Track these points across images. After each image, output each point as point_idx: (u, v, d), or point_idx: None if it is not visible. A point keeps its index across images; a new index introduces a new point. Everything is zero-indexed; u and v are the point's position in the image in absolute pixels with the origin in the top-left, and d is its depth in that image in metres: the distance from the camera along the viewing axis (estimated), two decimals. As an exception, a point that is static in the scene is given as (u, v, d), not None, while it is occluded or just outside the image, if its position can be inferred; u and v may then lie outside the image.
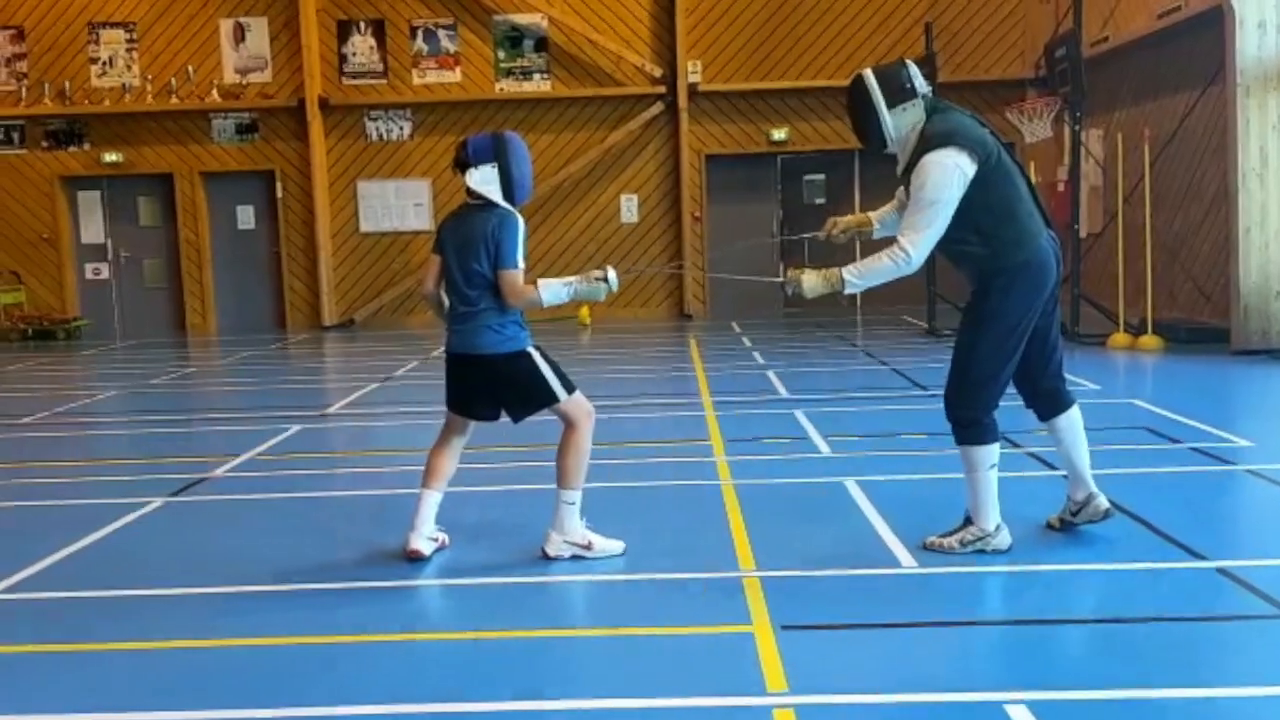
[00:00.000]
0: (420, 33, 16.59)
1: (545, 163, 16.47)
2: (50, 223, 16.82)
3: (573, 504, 4.61)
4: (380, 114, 16.63)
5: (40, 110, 16.50)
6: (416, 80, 16.64)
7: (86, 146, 16.72)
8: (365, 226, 16.75)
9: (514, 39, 16.60)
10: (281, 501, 5.90)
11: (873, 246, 4.65)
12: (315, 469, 6.76)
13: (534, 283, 4.53)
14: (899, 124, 4.38)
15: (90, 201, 17.04)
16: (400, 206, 16.71)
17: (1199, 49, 11.32)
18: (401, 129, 16.66)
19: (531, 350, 4.59)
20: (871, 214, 4.89)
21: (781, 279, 4.52)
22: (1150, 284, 10.96)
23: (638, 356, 11.94)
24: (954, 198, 4.26)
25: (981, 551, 4.50)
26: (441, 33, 16.58)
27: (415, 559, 4.63)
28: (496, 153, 4.51)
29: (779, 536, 4.88)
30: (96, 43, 16.62)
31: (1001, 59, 16.24)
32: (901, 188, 4.61)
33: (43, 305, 16.82)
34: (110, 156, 16.62)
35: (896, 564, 4.45)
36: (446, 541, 4.83)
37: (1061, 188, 13.03)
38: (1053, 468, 5.72)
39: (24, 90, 16.56)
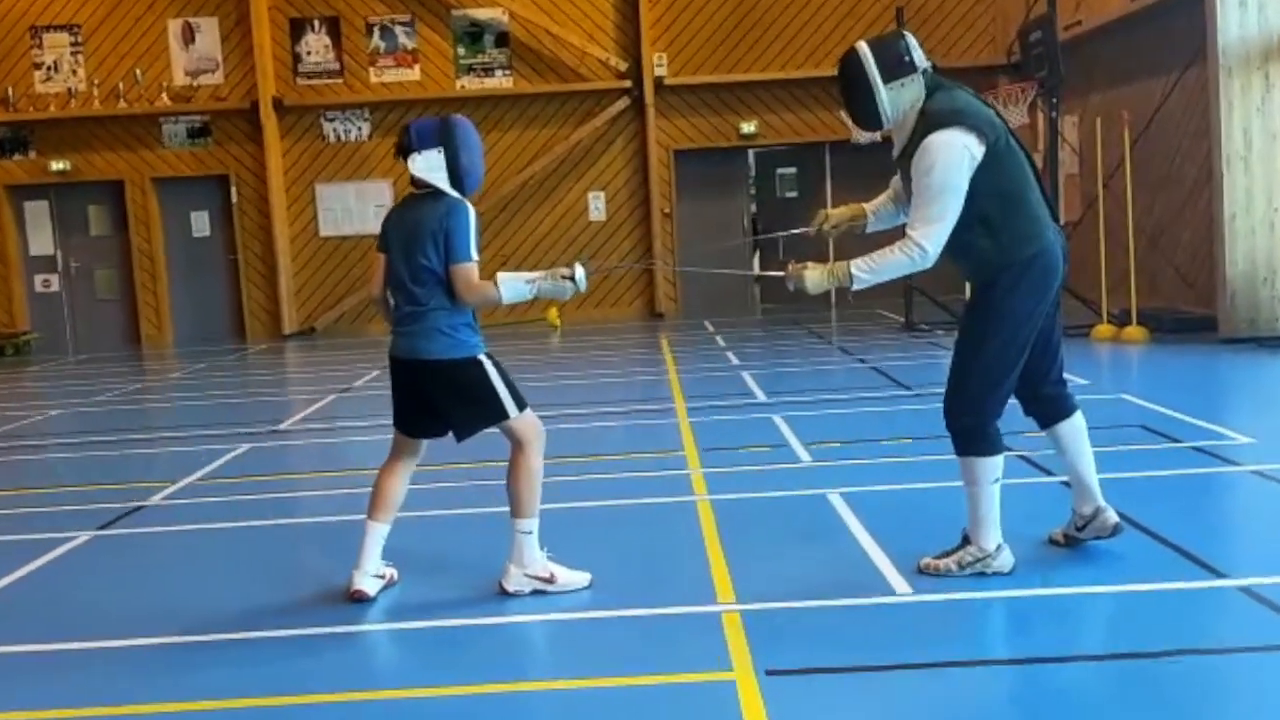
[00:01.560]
0: (377, 30, 16.09)
1: (509, 161, 16.03)
2: (-4, 234, 16.21)
3: (530, 533, 4.18)
4: (337, 114, 16.11)
5: (-16, 118, 15.88)
6: (374, 79, 16.14)
7: (32, 155, 16.12)
8: (325, 230, 16.23)
9: (474, 34, 16.12)
10: (220, 533, 5.43)
11: (864, 244, 4.22)
12: (262, 493, 6.29)
13: (492, 278, 4.10)
14: (896, 101, 3.97)
15: (38, 211, 16.43)
16: (361, 209, 16.18)
17: (1178, 29, 11.00)
18: (360, 129, 16.15)
19: (484, 358, 4.16)
20: (866, 205, 4.48)
21: (783, 273, 4.11)
22: (1133, 273, 10.63)
23: (608, 360, 11.52)
24: (964, 182, 3.87)
25: (982, 574, 4.10)
26: (399, 29, 16.09)
27: (359, 600, 4.19)
28: (443, 137, 4.08)
29: (760, 561, 4.47)
30: (40, 47, 16.02)
31: (974, 44, 15.92)
32: (897, 176, 4.21)
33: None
34: (57, 164, 16.02)
35: (890, 591, 4.05)
36: (395, 578, 4.39)
37: (1039, 175, 12.68)
38: (1051, 473, 5.34)
39: (-34, 97, 15.94)
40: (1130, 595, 3.95)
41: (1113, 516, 4.28)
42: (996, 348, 3.99)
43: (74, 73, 16.04)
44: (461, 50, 16.14)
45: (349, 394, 9.98)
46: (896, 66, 3.96)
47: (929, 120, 3.92)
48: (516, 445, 4.20)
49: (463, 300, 4.07)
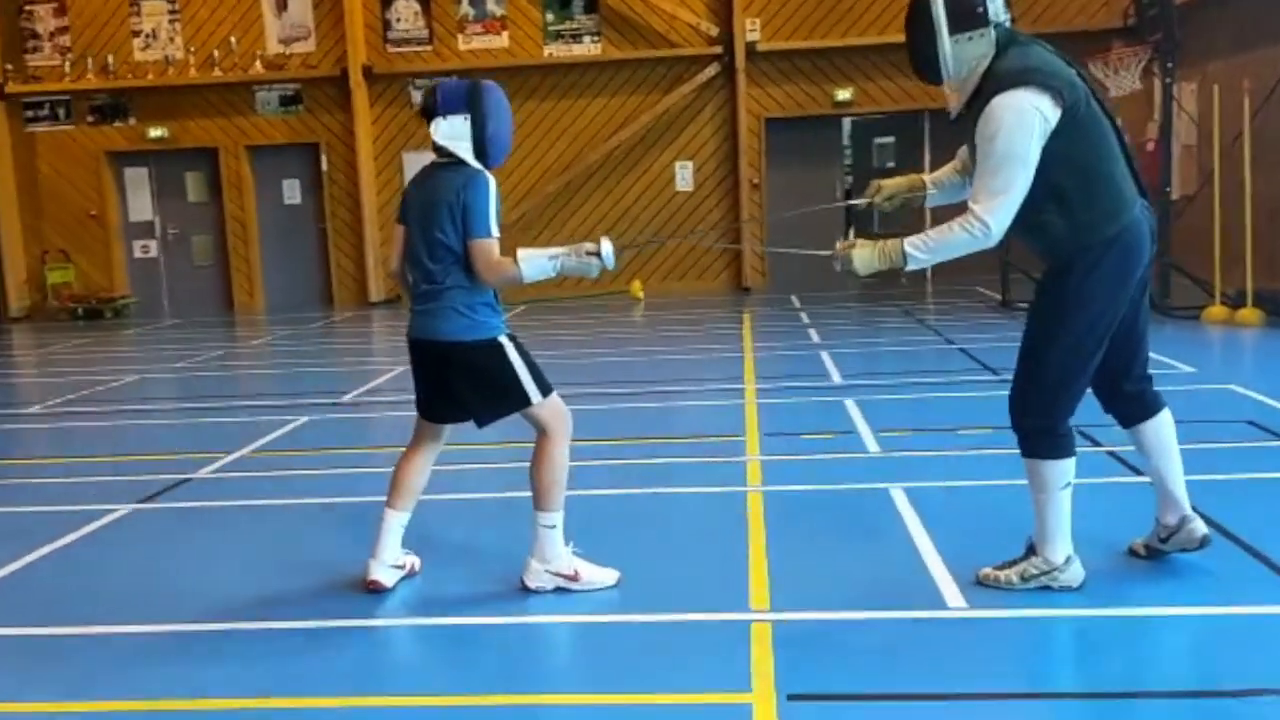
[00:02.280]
0: (467, -4, 15.90)
1: (596, 129, 15.76)
2: (98, 199, 16.54)
3: (553, 527, 3.91)
4: (425, 82, 15.92)
5: (85, 85, 16.18)
6: (463, 46, 15.98)
7: (132, 121, 16.38)
8: (412, 199, 16.15)
9: (563, 0, 15.83)
10: (255, 511, 5.30)
11: (916, 219, 3.82)
12: (308, 469, 6.15)
13: (513, 254, 3.82)
14: (961, 55, 3.54)
15: (137, 177, 16.73)
16: (447, 178, 16.06)
17: (1308, -11, 10.14)
18: (448, 97, 15.98)
19: (504, 340, 3.89)
20: (925, 176, 4.07)
21: (830, 253, 3.75)
22: (1250, 251, 9.87)
23: (683, 335, 11.19)
24: (1034, 150, 3.43)
25: (1048, 589, 3.71)
26: (501, -4, 15.87)
27: (375, 591, 3.98)
28: (470, 102, 3.81)
29: (802, 562, 4.14)
30: (138, 15, 16.23)
31: (1087, 6, 15.03)
32: (965, 146, 3.79)
33: (91, 284, 16.59)
34: (156, 131, 16.26)
35: (941, 604, 3.68)
36: (416, 567, 4.17)
37: (1151, 146, 11.91)
38: (1139, 472, 4.87)
39: (68, 65, 16.26)
40: (1216, 619, 3.52)
41: (1201, 528, 3.84)
42: (1070, 340, 3.57)
43: (171, 40, 16.23)
44: (550, 16, 15.86)
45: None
46: (967, 16, 3.53)
47: (997, 79, 3.50)
48: (541, 433, 3.93)
49: (481, 278, 3.80)
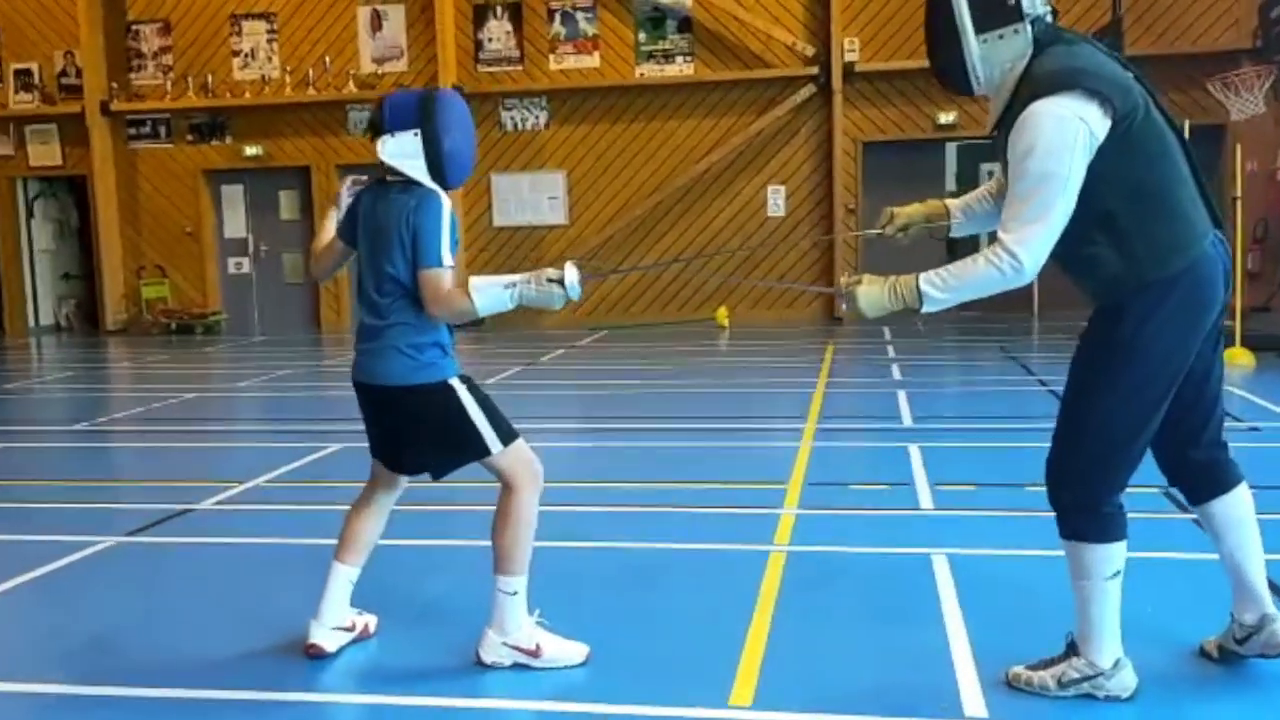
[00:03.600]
0: (558, 16, 15.68)
1: (686, 152, 15.33)
2: (194, 216, 16.77)
3: (514, 594, 3.42)
4: (515, 102, 15.80)
5: (185, 104, 16.44)
6: (553, 66, 15.73)
7: (229, 139, 16.57)
8: (499, 220, 15.97)
9: (656, 20, 15.47)
10: (237, 551, 4.92)
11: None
12: (320, 502, 5.76)
13: (465, 285, 3.36)
14: (991, 57, 2.95)
15: (233, 195, 16.91)
16: (534, 200, 15.85)
17: None
18: (537, 118, 15.78)
19: (455, 382, 3.43)
20: (952, 201, 3.50)
21: (834, 289, 3.19)
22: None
23: (757, 366, 10.62)
24: (1077, 169, 2.82)
25: (1090, 697, 3.06)
26: (580, 15, 15.62)
27: (315, 657, 3.54)
28: (421, 115, 3.36)
29: (808, 646, 3.56)
30: (239, 34, 16.44)
31: (1213, 26, 14.00)
32: (999, 165, 3.20)
33: (185, 299, 16.80)
34: (251, 150, 16.42)
35: (957, 710, 3.06)
36: (369, 628, 3.73)
37: (1280, 175, 10.93)
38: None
39: (169, 84, 16.55)
40: (1300, 751, 2.83)
41: (1287, 631, 3.15)
42: (1118, 399, 2.94)
43: (269, 60, 16.39)
44: (642, 36, 15.52)
45: (487, 389, 9.49)
46: (995, 10, 2.93)
47: (1035, 83, 2.89)
48: (506, 487, 3.45)
49: (430, 312, 3.34)
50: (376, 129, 3.40)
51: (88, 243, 17.36)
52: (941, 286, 2.97)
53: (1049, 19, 3.00)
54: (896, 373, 9.75)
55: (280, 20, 16.30)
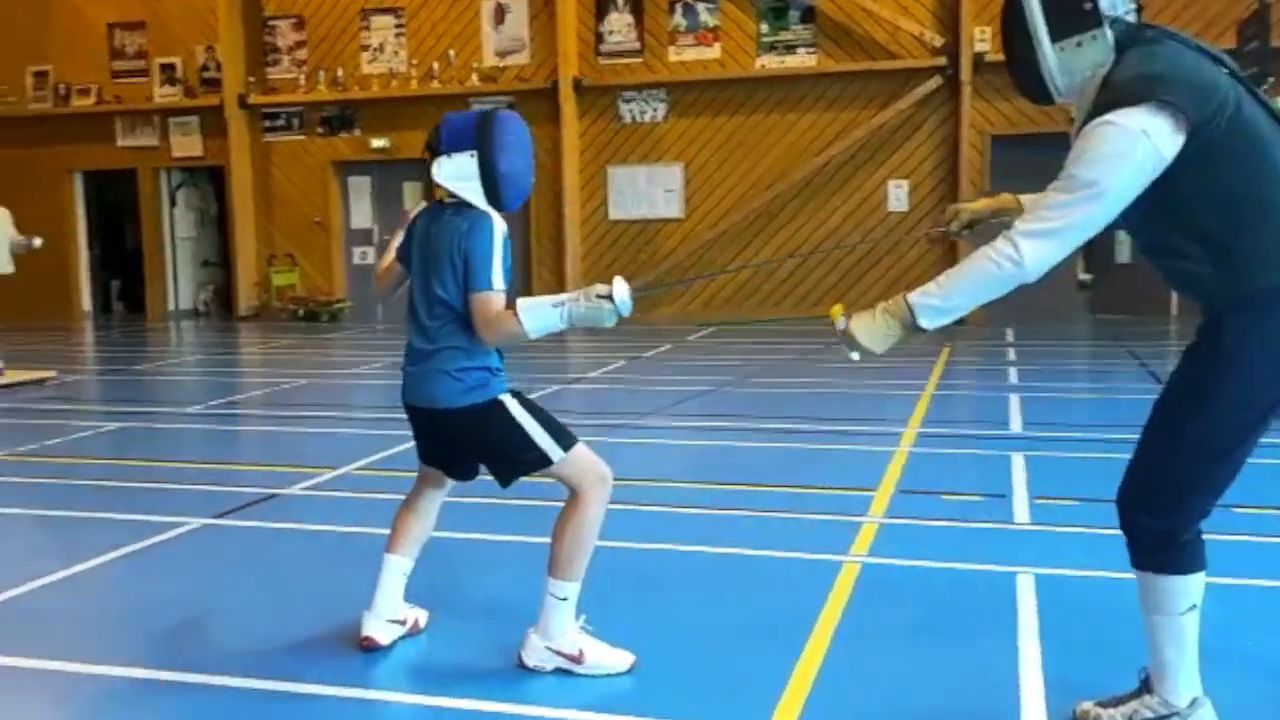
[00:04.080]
0: (680, 7, 15.55)
1: (805, 145, 15.04)
2: (323, 206, 17.23)
3: (565, 599, 3.33)
4: (634, 95, 15.74)
5: (316, 97, 16.89)
6: (673, 58, 15.62)
7: (357, 132, 16.96)
8: (614, 214, 15.96)
9: (778, 10, 15.21)
10: (312, 538, 4.97)
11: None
12: (403, 492, 5.82)
13: (514, 307, 3.26)
14: (1069, 66, 2.71)
15: (360, 186, 17.31)
16: (650, 193, 15.78)
17: None
18: (655, 110, 15.70)
19: (505, 399, 3.33)
20: (1025, 196, 3.26)
21: (835, 330, 2.92)
22: None
23: (867, 367, 10.30)
24: (1123, 184, 2.56)
25: (1165, 738, 2.81)
26: (701, 6, 15.47)
27: (369, 649, 3.52)
28: (478, 137, 3.29)
29: (866, 666, 3.37)
30: (368, 29, 16.81)
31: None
32: None
33: (313, 287, 17.28)
34: (378, 142, 16.77)
35: (1017, 745, 2.85)
36: (420, 624, 3.70)
37: None
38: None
39: (303, 77, 17.03)
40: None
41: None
42: (1207, 420, 2.66)
43: (396, 54, 16.71)
44: (764, 27, 15.28)
45: (577, 385, 9.48)
46: (1071, 17, 2.69)
47: (1112, 90, 2.63)
48: (572, 493, 3.36)
49: (481, 336, 3.26)
50: (434, 150, 3.34)
51: (226, 231, 18.03)
52: (936, 293, 2.74)
53: (1131, 17, 2.74)
54: (1013, 376, 9.36)
55: (408, 14, 16.59)
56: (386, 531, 4.72)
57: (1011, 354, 10.90)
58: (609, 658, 3.34)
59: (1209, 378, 2.68)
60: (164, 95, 17.70)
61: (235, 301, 17.57)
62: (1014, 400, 8.08)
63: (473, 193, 3.31)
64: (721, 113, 15.45)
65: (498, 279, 3.25)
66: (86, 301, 18.81)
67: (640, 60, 15.74)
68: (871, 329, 2.79)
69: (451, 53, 16.28)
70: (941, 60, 14.45)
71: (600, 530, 3.37)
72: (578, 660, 3.32)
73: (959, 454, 6.39)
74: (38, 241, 10.14)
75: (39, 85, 18.28)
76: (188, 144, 17.71)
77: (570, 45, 15.68)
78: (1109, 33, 2.69)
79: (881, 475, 5.81)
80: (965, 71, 14.34)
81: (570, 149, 15.79)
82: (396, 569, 3.58)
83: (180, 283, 18.59)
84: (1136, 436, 2.80)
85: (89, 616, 4.02)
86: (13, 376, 9.86)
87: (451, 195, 3.35)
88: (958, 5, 14.35)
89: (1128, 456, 2.80)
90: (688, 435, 7.15)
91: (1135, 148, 2.55)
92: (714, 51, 15.49)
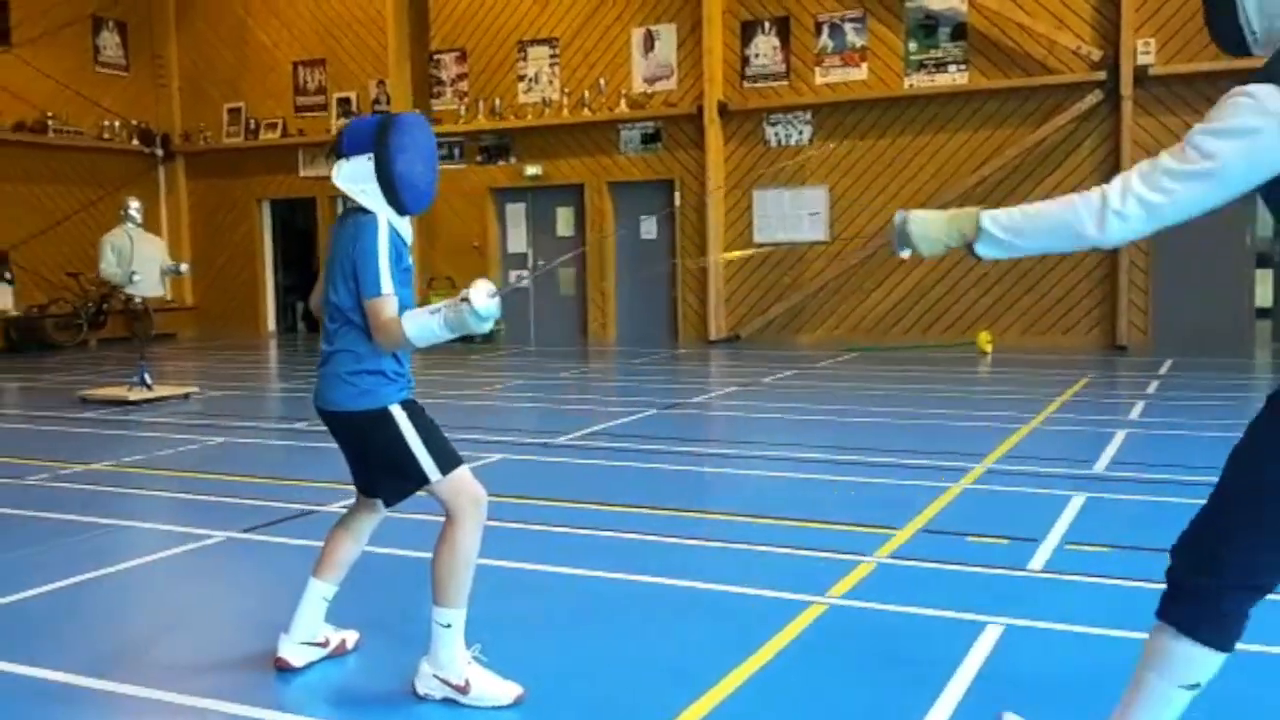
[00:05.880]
0: (826, 28, 15.34)
1: (957, 165, 14.54)
2: (480, 232, 17.83)
3: (448, 626, 3.32)
4: (779, 117, 15.61)
5: (475, 126, 17.53)
6: (819, 79, 15.41)
7: (512, 160, 17.49)
8: (759, 236, 15.83)
9: (928, 28, 14.78)
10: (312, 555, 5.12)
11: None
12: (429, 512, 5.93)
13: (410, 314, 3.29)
14: (1268, 7, 2.35)
15: (516, 212, 17.84)
16: (795, 216, 15.59)
17: None
18: (800, 133, 15.51)
19: (395, 409, 3.35)
20: None
21: (870, 243, 2.68)
22: None
23: (978, 397, 9.83)
24: (1245, 174, 2.23)
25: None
26: (849, 26, 15.20)
27: (281, 670, 3.61)
28: (375, 139, 3.34)
29: (766, 707, 3.21)
30: (524, 60, 17.33)
31: None
32: None
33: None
34: (532, 169, 17.25)
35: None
36: (347, 644, 3.75)
37: None
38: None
39: (463, 108, 17.70)
40: None
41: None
42: (1272, 479, 2.33)
43: (550, 83, 17.15)
44: (913, 45, 14.88)
45: (678, 410, 9.42)
46: None
47: (1277, 57, 2.30)
48: (447, 516, 3.37)
49: (376, 341, 3.30)
50: (336, 154, 3.42)
51: (393, 256, 18.88)
52: (1008, 225, 2.43)
53: None
54: (1136, 411, 8.71)
55: (562, 44, 17.01)
56: (415, 554, 4.84)
57: (1152, 386, 10.16)
58: (495, 689, 3.31)
59: (1273, 435, 2.36)
60: (341, 127, 18.71)
61: (400, 323, 18.34)
62: (1118, 436, 7.52)
63: (368, 196, 3.33)
64: (869, 134, 15.12)
65: (385, 283, 3.26)
66: (271, 322, 20.09)
67: (786, 83, 15.59)
68: (929, 229, 2.54)
69: (602, 81, 16.58)
70: (1100, 75, 13.69)
71: (477, 554, 3.35)
72: (464, 690, 3.30)
73: (1017, 493, 5.99)
74: (184, 267, 10.94)
75: (233, 121, 19.71)
76: (362, 173, 18.65)
77: (716, 70, 15.70)
78: None
79: (916, 513, 5.52)
80: (1126, 85, 13.54)
81: (715, 172, 15.78)
82: (317, 594, 3.65)
83: (354, 305, 19.56)
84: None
85: (66, 622, 4.27)
86: (160, 391, 10.63)
87: (351, 199, 3.39)
88: (1118, 16, 13.58)
89: (1200, 501, 2.51)
90: (745, 465, 7.00)
91: (1263, 131, 2.19)
92: (861, 72, 15.19)
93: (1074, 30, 13.97)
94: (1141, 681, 2.49)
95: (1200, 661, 2.40)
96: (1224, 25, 2.40)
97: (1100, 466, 6.59)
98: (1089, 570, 4.51)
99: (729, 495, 6.29)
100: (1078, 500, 5.69)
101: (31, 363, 15.27)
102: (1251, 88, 2.21)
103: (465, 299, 3.14)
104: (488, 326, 3.19)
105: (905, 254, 2.61)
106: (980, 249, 2.47)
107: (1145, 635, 2.52)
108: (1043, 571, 4.53)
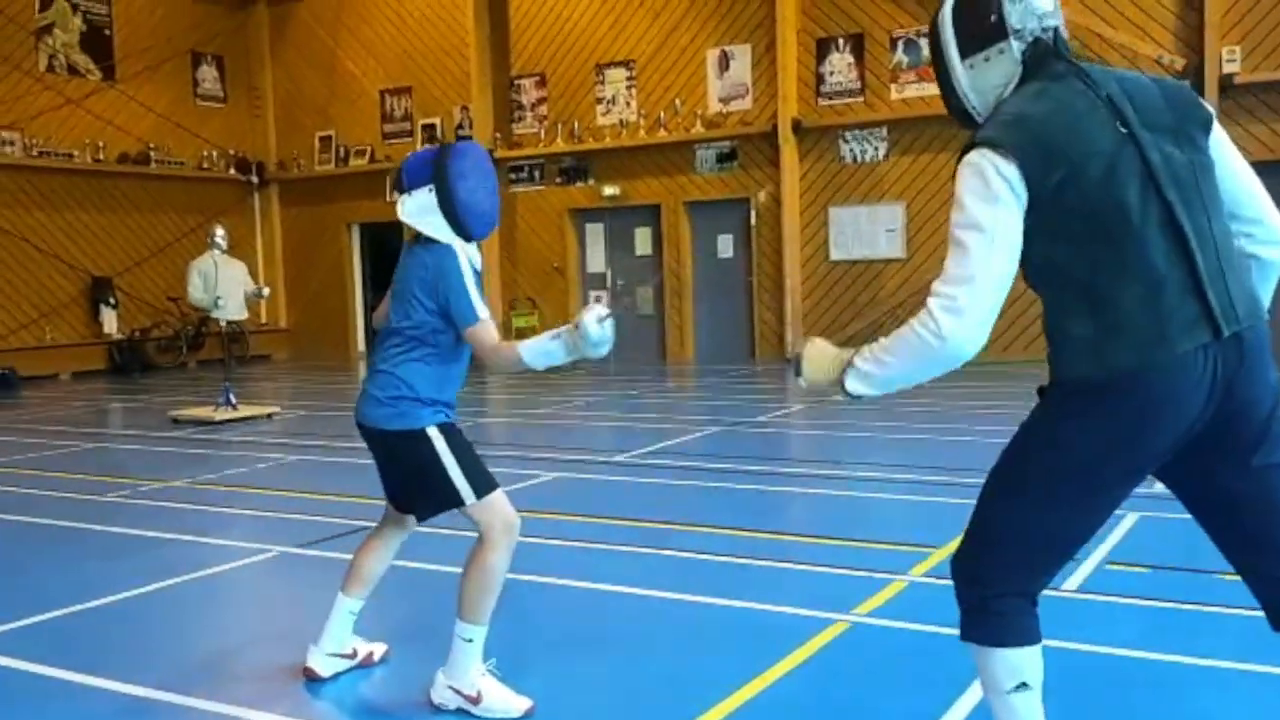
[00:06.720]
0: (901, 44, 15.26)
1: (1032, 179, 14.28)
2: (560, 253, 18.09)
3: (470, 641, 3.44)
4: (854, 134, 15.55)
5: (555, 149, 17.81)
6: (894, 95, 15.32)
7: (591, 181, 17.73)
8: (835, 254, 15.77)
9: (1005, 40, 14.56)
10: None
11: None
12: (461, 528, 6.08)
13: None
14: (980, 86, 2.53)
15: (595, 232, 18.06)
16: (871, 233, 15.50)
17: None
18: (876, 149, 15.43)
19: (432, 431, 3.47)
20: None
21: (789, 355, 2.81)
22: None
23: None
24: (1006, 222, 2.32)
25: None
26: (924, 41, 15.06)
27: (310, 679, 3.77)
28: (435, 171, 3.45)
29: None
30: (602, 83, 17.57)
31: None
32: None
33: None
34: (609, 190, 17.45)
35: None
36: (374, 656, 3.90)
37: None
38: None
39: (543, 131, 18.01)
40: None
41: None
42: (1018, 485, 2.46)
43: (627, 105, 17.36)
44: (990, 59, 14.67)
45: (744, 427, 9.46)
46: (977, 31, 2.50)
47: (984, 125, 2.45)
48: (480, 537, 3.49)
49: (486, 365, 3.45)
50: (399, 190, 3.54)
51: (477, 277, 19.26)
52: (871, 362, 2.49)
53: (1048, 36, 2.47)
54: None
55: (638, 66, 17.21)
56: (427, 565, 5.00)
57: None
58: (506, 702, 3.41)
59: (1024, 449, 2.47)
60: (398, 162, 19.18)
61: (482, 343, 18.68)
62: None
63: (437, 227, 3.44)
64: (945, 149, 14.95)
65: (480, 308, 3.38)
66: (361, 344, 20.62)
67: (861, 100, 15.54)
68: (816, 363, 2.62)
69: (678, 101, 16.72)
70: (1184, 83, 13.33)
71: (504, 576, 3.46)
72: (475, 701, 3.41)
73: (1068, 512, 5.90)
74: (266, 290, 11.35)
75: (324, 149, 20.35)
76: (446, 197, 19.09)
77: (790, 88, 15.72)
78: (1015, 49, 2.48)
79: (960, 531, 5.47)
80: (1211, 93, 13.17)
81: (790, 190, 15.78)
82: (344, 608, 3.80)
83: (439, 326, 19.99)
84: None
85: (120, 632, 4.50)
86: (244, 411, 11.04)
87: (419, 232, 3.51)
88: (1201, 24, 13.24)
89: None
90: (803, 483, 7.01)
91: (992, 182, 2.32)
92: (936, 87, 15.02)
93: (1155, 39, 13.67)
94: (992, 706, 2.55)
95: (1005, 664, 2.47)
96: (952, 104, 2.63)
97: (1159, 485, 6.43)
98: (1125, 591, 4.45)
99: (778, 514, 6.32)
100: (1130, 519, 5.59)
101: (133, 384, 15.96)
102: (967, 157, 2.36)
103: (574, 326, 3.21)
104: (605, 350, 3.22)
105: (802, 382, 2.64)
106: (848, 383, 2.51)
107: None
108: (1077, 592, 4.47)
